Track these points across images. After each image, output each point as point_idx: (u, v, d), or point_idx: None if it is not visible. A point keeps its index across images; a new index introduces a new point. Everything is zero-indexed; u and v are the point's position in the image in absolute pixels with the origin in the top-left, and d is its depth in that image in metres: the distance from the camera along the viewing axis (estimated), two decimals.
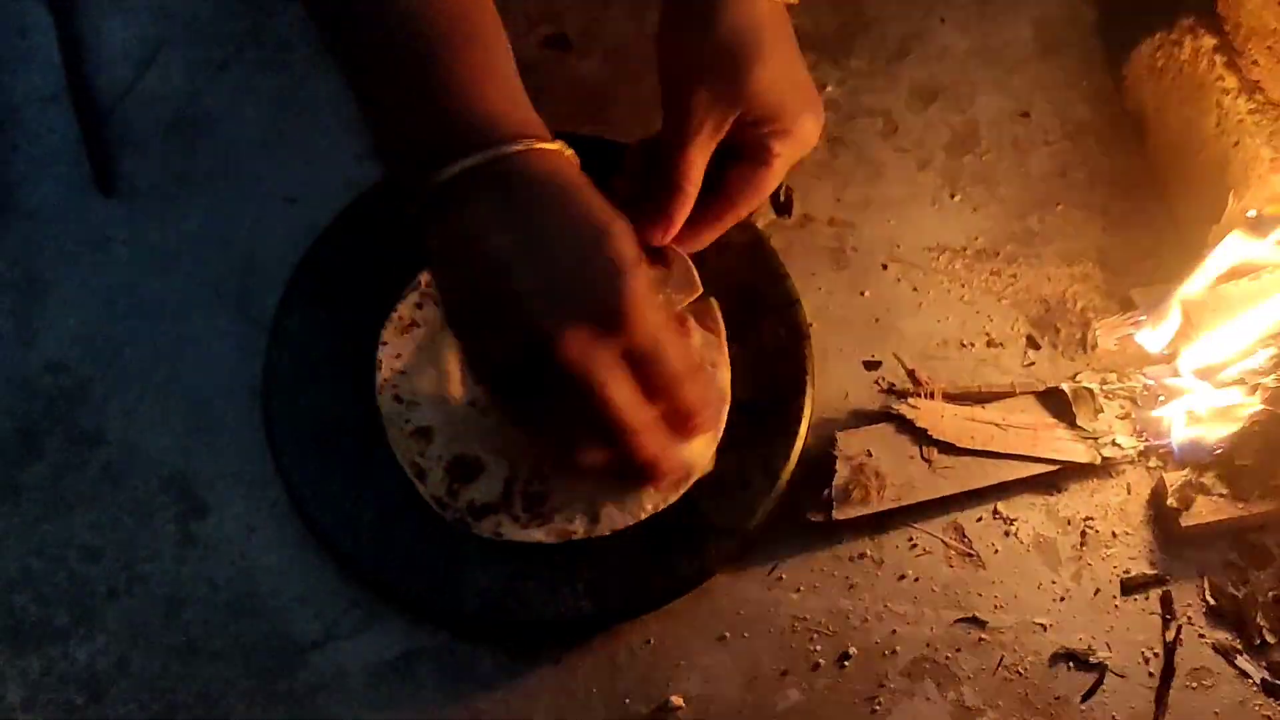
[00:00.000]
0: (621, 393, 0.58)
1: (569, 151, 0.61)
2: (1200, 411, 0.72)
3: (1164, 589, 0.71)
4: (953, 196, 0.82)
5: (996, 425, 0.73)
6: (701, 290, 0.70)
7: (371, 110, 0.61)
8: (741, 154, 0.69)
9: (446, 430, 0.68)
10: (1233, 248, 0.71)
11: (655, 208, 0.68)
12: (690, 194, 0.68)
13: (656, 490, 0.67)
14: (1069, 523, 0.72)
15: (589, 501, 0.67)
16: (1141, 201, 0.83)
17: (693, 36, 0.67)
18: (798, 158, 0.70)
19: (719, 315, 0.71)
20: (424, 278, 0.72)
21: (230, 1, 0.84)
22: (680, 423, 0.62)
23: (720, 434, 0.69)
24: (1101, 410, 0.74)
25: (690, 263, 0.70)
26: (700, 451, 0.67)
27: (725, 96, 0.66)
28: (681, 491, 0.67)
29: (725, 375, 0.70)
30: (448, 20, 0.59)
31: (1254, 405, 0.71)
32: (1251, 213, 0.72)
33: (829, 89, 0.85)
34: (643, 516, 0.66)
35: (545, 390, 0.58)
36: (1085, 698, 0.68)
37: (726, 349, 0.71)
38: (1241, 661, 0.69)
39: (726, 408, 0.69)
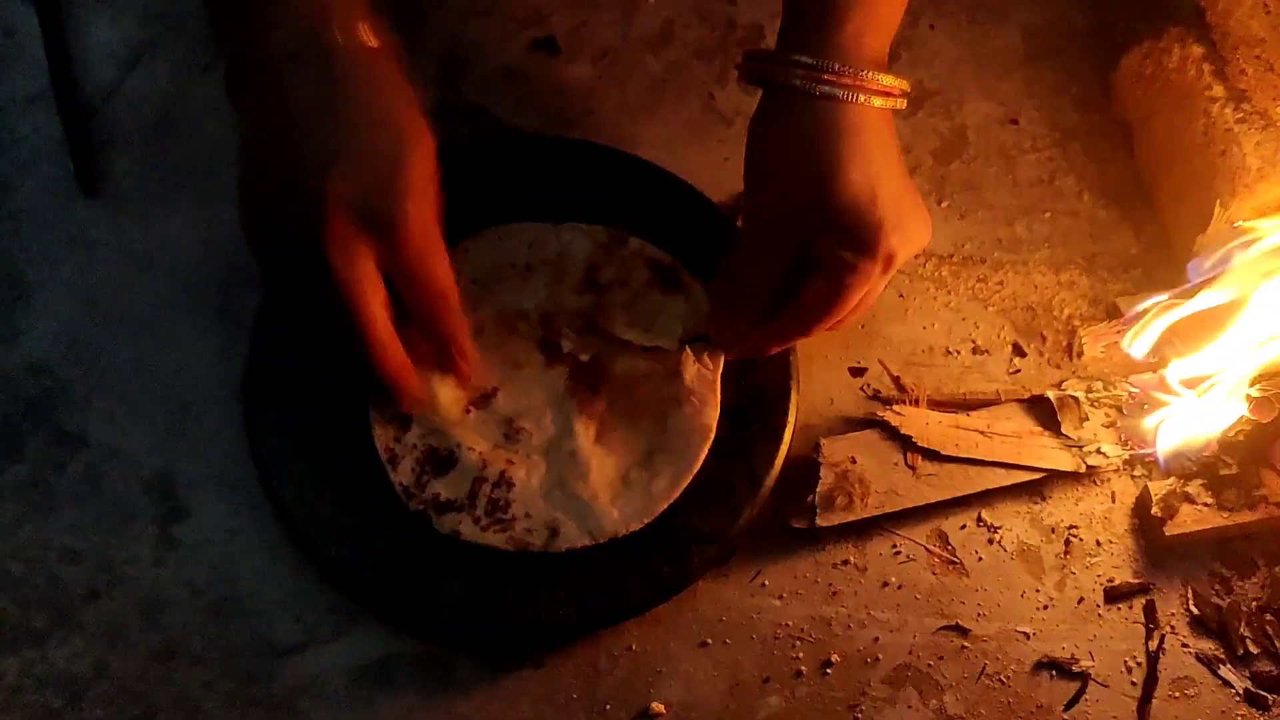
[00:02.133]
0: (368, 294, 0.59)
1: (392, 44, 0.61)
2: (1185, 420, 0.72)
3: (1147, 598, 0.71)
4: (940, 203, 0.82)
5: (981, 433, 0.73)
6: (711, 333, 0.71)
7: None
8: (824, 263, 0.64)
9: (425, 421, 0.68)
10: (1218, 256, 0.71)
11: (718, 305, 0.69)
12: (749, 296, 0.67)
13: (410, 408, 0.67)
14: (1053, 531, 0.72)
15: (550, 516, 0.67)
16: (1129, 209, 0.83)
17: (778, 135, 0.64)
18: (879, 275, 0.64)
19: (719, 354, 0.71)
20: None
21: None
22: (437, 346, 0.64)
23: (695, 470, 0.68)
24: (1087, 418, 0.74)
25: (705, 295, 0.72)
26: (449, 400, 0.68)
27: (799, 206, 0.63)
28: (642, 521, 0.67)
29: (712, 414, 0.70)
30: None
31: (1238, 415, 0.71)
32: (1238, 222, 0.72)
33: None
34: (602, 540, 0.66)
35: (303, 271, 0.59)
36: (1068, 706, 0.68)
37: (719, 389, 0.70)
38: (1225, 671, 0.69)
39: (708, 445, 0.69)
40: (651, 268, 0.73)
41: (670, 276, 0.72)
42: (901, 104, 0.64)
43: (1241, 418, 0.71)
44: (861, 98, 0.62)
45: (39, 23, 0.81)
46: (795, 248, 0.65)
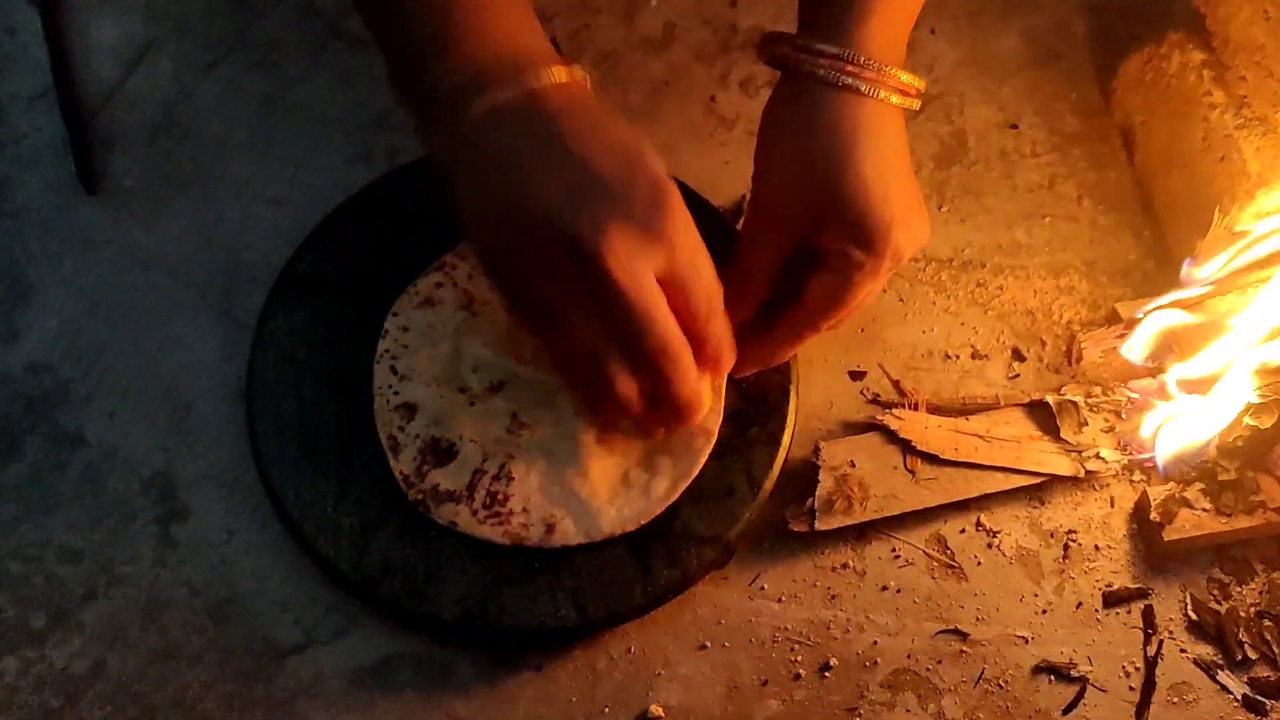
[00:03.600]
0: (665, 311, 0.57)
1: (585, 78, 0.61)
2: (1184, 426, 0.72)
3: (1146, 603, 0.71)
4: (940, 207, 0.82)
5: (980, 437, 0.73)
6: None
7: (390, 46, 0.61)
8: (823, 262, 0.64)
9: (430, 411, 0.68)
10: (1216, 261, 0.72)
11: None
12: (750, 283, 0.67)
13: (691, 426, 0.65)
14: (1052, 535, 0.72)
15: (547, 512, 0.67)
16: (1128, 215, 0.83)
17: (794, 122, 0.64)
18: (884, 272, 0.64)
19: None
20: (448, 258, 0.72)
21: (219, 2, 0.84)
22: (706, 355, 0.61)
23: (695, 473, 0.68)
24: (1086, 423, 0.74)
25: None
26: (708, 396, 0.65)
27: (809, 194, 0.63)
28: (638, 523, 0.67)
29: (715, 418, 0.69)
30: None
31: (1237, 420, 0.71)
32: (1237, 227, 0.72)
33: None
34: (598, 538, 0.66)
35: (584, 310, 0.57)
36: (1066, 711, 0.68)
37: (724, 393, 0.70)
38: (1223, 677, 0.69)
39: (709, 448, 0.69)
40: None
41: None
42: (916, 104, 0.65)
43: (1240, 423, 0.71)
44: (882, 93, 0.62)
45: (41, 22, 0.81)
46: (799, 237, 0.65)
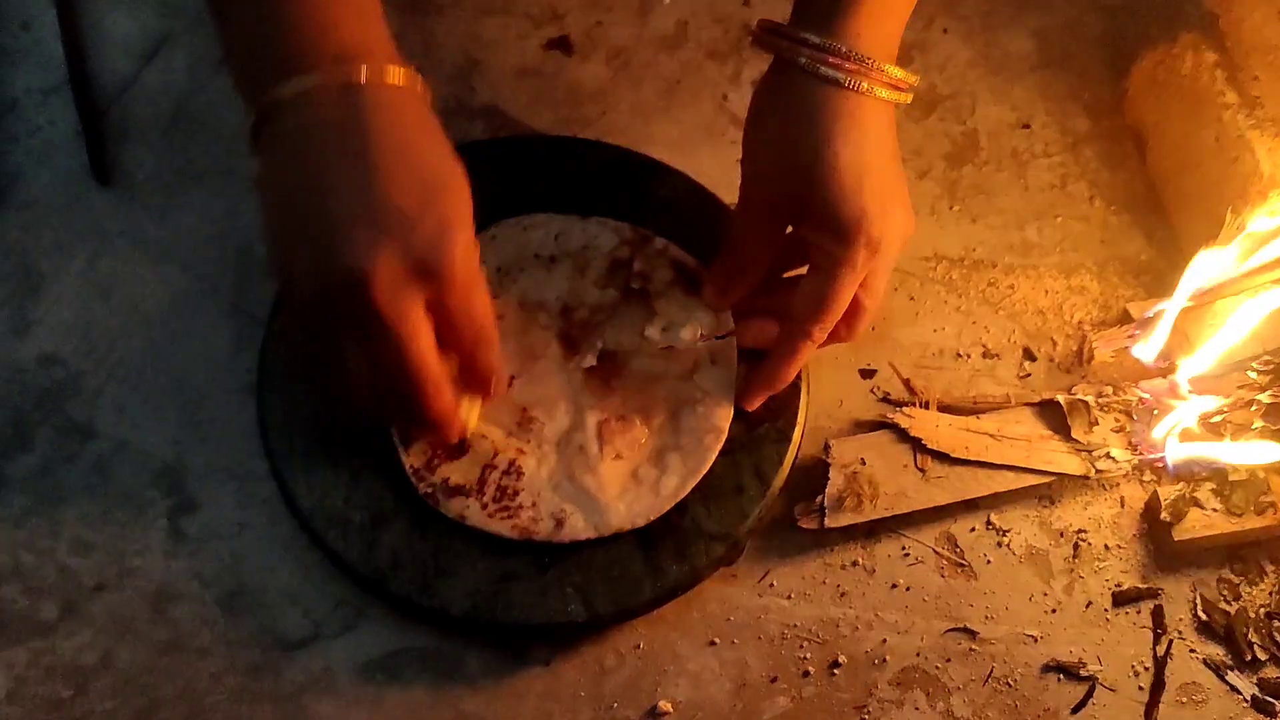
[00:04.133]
0: (424, 342, 0.58)
1: (420, 84, 0.59)
2: (1195, 426, 0.72)
3: (1155, 603, 0.71)
4: (951, 206, 0.82)
5: (991, 436, 0.73)
6: (733, 329, 0.71)
7: (220, 20, 0.59)
8: (812, 260, 0.65)
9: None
10: (1224, 262, 0.71)
11: (715, 270, 0.70)
12: (739, 259, 0.68)
13: (445, 439, 0.67)
14: (1062, 535, 0.72)
15: (556, 507, 0.67)
16: (1140, 215, 0.83)
17: (775, 111, 0.64)
18: (862, 266, 0.63)
19: (734, 356, 0.71)
20: None
21: None
22: (475, 381, 0.63)
23: (705, 471, 0.68)
24: (1096, 423, 0.74)
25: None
26: (473, 416, 0.67)
27: (787, 185, 0.63)
28: (648, 519, 0.67)
29: (725, 415, 0.70)
30: None
31: (1248, 421, 0.71)
32: (1248, 228, 0.72)
33: None
34: (606, 533, 0.66)
35: (346, 322, 0.58)
36: (1075, 710, 0.68)
37: (734, 391, 0.70)
38: (1232, 677, 0.69)
39: (719, 446, 0.69)
40: (675, 268, 0.73)
41: (693, 278, 0.72)
42: (907, 99, 0.64)
43: (1252, 423, 0.71)
44: (864, 85, 0.62)
45: (57, 16, 0.82)
46: (783, 228, 0.65)
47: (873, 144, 0.63)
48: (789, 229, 0.66)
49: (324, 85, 0.56)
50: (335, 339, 0.59)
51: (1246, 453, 0.70)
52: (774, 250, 0.67)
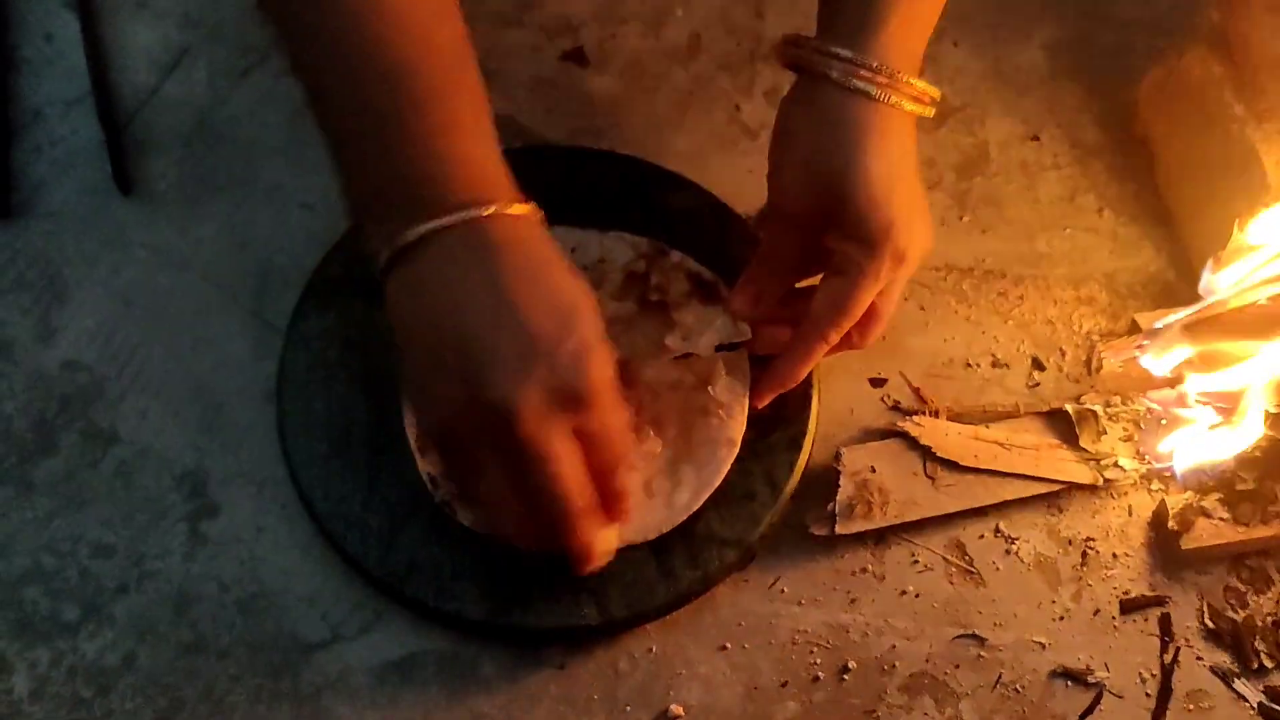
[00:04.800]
0: (572, 472, 0.58)
1: (539, 215, 0.60)
2: (1202, 436, 0.72)
3: (1163, 611, 0.71)
4: (961, 217, 0.83)
5: (1000, 445, 0.73)
6: (748, 339, 0.72)
7: (340, 154, 0.60)
8: (832, 267, 0.66)
9: None
10: (1235, 272, 0.72)
11: (746, 278, 0.70)
12: (767, 268, 0.69)
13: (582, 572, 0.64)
14: (1070, 543, 0.73)
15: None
16: (1149, 227, 0.83)
17: (805, 123, 0.65)
18: (884, 275, 0.64)
19: (748, 367, 0.72)
20: None
21: (254, 10, 0.85)
22: (609, 504, 0.62)
23: (718, 484, 0.69)
24: (1105, 432, 0.74)
25: None
26: (610, 541, 0.66)
27: (816, 194, 0.64)
28: (660, 531, 0.68)
29: (738, 427, 0.70)
30: (425, 68, 0.58)
31: (1255, 430, 0.71)
32: (1256, 238, 0.72)
33: None
34: (619, 546, 0.66)
35: (494, 456, 0.58)
36: (1082, 717, 0.69)
37: (747, 402, 0.71)
38: (1239, 685, 0.69)
39: (732, 458, 0.70)
40: (691, 280, 0.74)
41: (710, 289, 0.73)
42: (930, 111, 0.65)
43: (1259, 433, 0.72)
44: (894, 98, 0.63)
45: (80, 27, 0.83)
46: (811, 236, 0.66)
47: (900, 156, 0.64)
48: (813, 238, 0.67)
49: (455, 224, 0.56)
50: (481, 469, 0.60)
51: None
52: (802, 259, 0.68)
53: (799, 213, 0.66)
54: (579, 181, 0.77)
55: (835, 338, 0.67)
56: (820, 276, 0.69)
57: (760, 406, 0.71)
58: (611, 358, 0.58)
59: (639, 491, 0.68)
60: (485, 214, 0.57)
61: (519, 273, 0.57)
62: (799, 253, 0.68)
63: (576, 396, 0.57)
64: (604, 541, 0.63)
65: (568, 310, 0.57)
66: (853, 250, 0.64)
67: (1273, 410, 0.72)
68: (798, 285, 0.71)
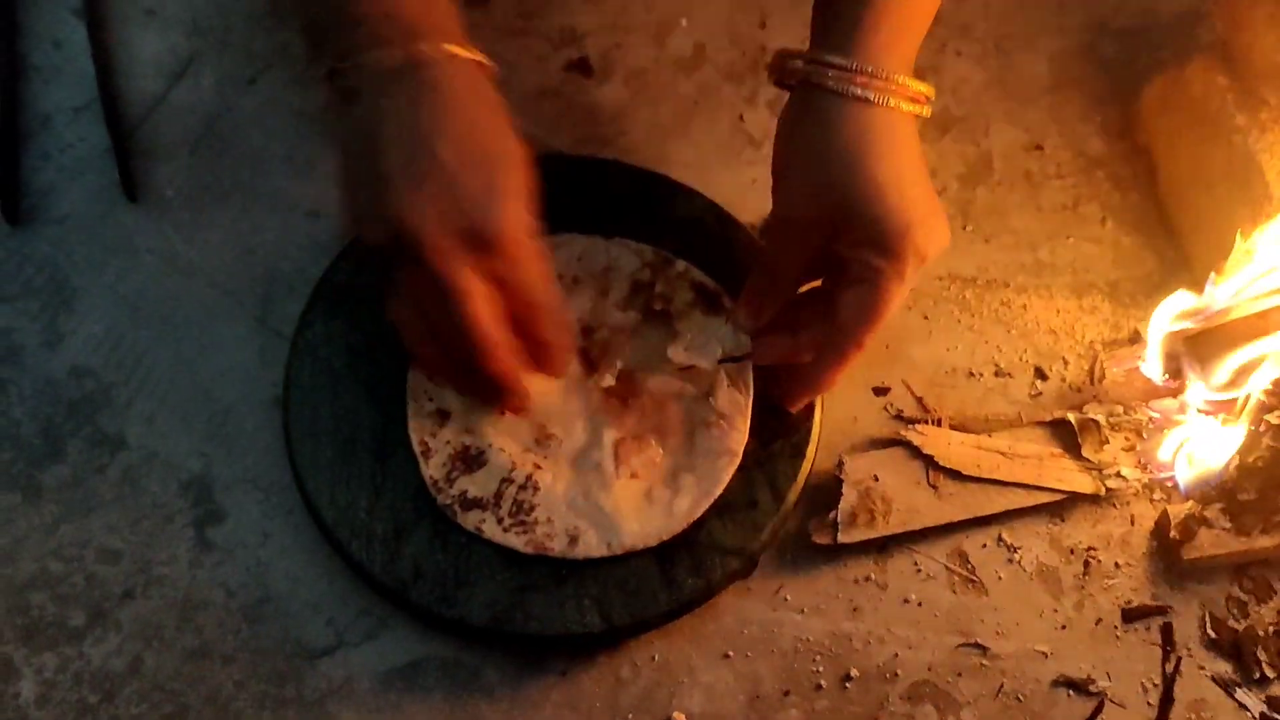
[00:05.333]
0: (480, 307, 0.61)
1: (489, 63, 0.62)
2: (1204, 445, 0.73)
3: (1165, 620, 0.71)
4: (965, 226, 0.83)
5: (1002, 454, 0.74)
6: (750, 350, 0.72)
7: (307, 21, 0.65)
8: (850, 274, 0.65)
9: (463, 419, 0.70)
10: (1238, 282, 0.72)
11: (748, 289, 0.71)
12: (772, 279, 0.69)
13: (516, 414, 0.69)
14: (1072, 552, 0.73)
15: (571, 523, 0.68)
16: (1151, 237, 0.84)
17: (806, 134, 0.65)
18: (909, 276, 0.65)
19: (750, 379, 0.72)
20: None
21: (261, 18, 0.86)
22: (540, 352, 0.65)
23: (718, 494, 0.69)
24: (1107, 442, 0.74)
25: None
26: (542, 386, 0.69)
27: (825, 204, 0.64)
28: (660, 538, 0.68)
29: (740, 438, 0.71)
30: None
31: (1258, 440, 0.72)
32: (1257, 249, 0.72)
33: None
34: (619, 552, 0.67)
35: (411, 274, 0.61)
36: None
37: (749, 413, 0.71)
38: (1241, 694, 0.69)
39: (733, 469, 0.70)
40: (696, 290, 0.74)
41: (714, 300, 0.74)
42: (927, 111, 0.66)
43: (1261, 444, 0.72)
44: (892, 101, 0.64)
45: (88, 35, 0.83)
46: (817, 247, 0.66)
47: (906, 156, 0.65)
48: (821, 247, 0.67)
49: (395, 54, 0.60)
50: (411, 291, 0.63)
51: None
52: (806, 269, 0.69)
53: (807, 224, 0.66)
54: (584, 190, 0.78)
55: (869, 342, 0.67)
56: (819, 281, 0.69)
57: (794, 410, 0.71)
58: (527, 212, 0.61)
59: (641, 498, 0.69)
60: (429, 51, 0.60)
61: (446, 108, 0.60)
62: (804, 264, 0.68)
63: (482, 237, 0.59)
64: (527, 382, 0.66)
65: (487, 153, 0.60)
66: (873, 257, 0.64)
67: (1275, 421, 0.72)
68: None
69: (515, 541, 0.67)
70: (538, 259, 0.63)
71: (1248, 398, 0.72)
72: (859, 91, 0.63)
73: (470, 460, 0.69)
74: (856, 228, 0.64)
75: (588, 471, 0.69)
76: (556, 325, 0.65)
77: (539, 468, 0.69)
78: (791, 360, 0.71)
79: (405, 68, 0.60)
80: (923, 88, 0.65)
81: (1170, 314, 0.73)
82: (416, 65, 0.60)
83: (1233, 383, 0.72)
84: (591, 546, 0.67)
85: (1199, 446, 0.73)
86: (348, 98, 0.61)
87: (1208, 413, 0.73)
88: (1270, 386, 0.73)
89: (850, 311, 0.65)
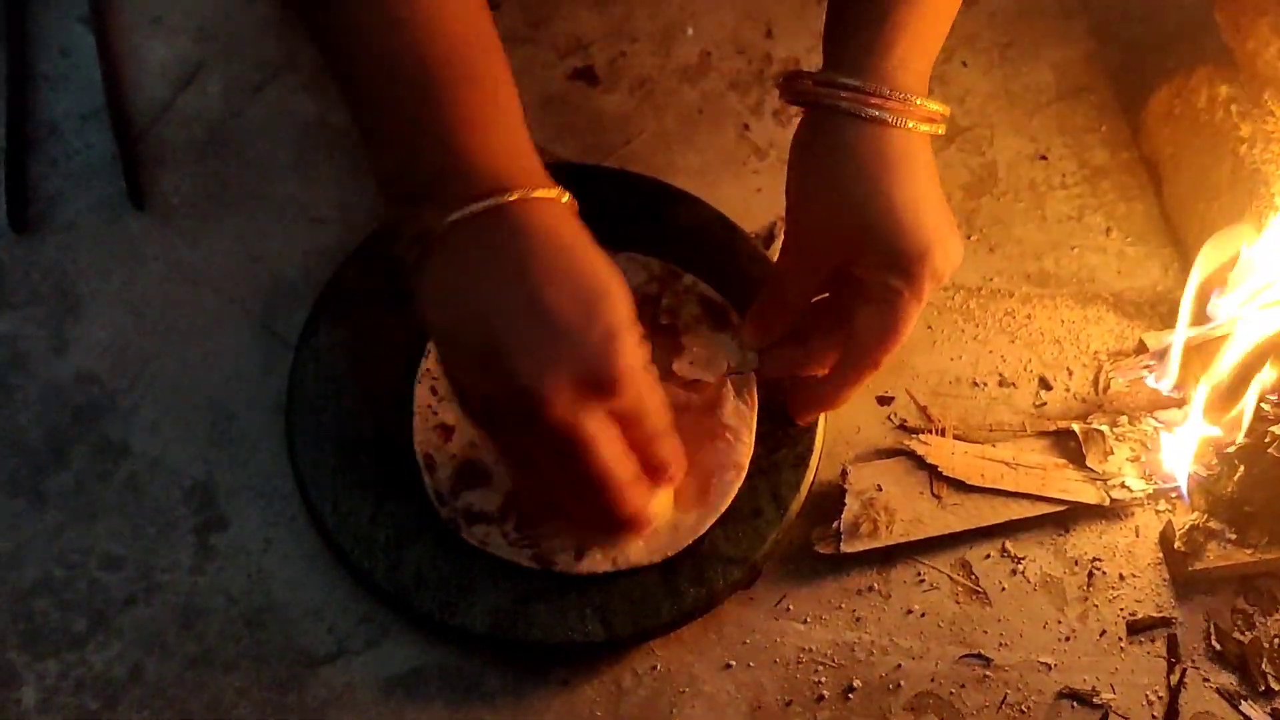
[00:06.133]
0: (609, 450, 0.58)
1: (567, 199, 0.60)
2: (1210, 456, 0.72)
3: (1170, 632, 0.71)
4: (970, 236, 0.83)
5: (1007, 464, 0.73)
6: (756, 364, 0.72)
7: (373, 145, 0.60)
8: (867, 294, 0.65)
9: (467, 433, 0.70)
10: (1242, 293, 0.72)
11: (759, 304, 0.70)
12: (789, 306, 0.69)
13: (637, 538, 0.67)
14: (1076, 563, 0.73)
15: (578, 540, 0.68)
16: (1156, 247, 0.83)
17: (822, 156, 0.65)
18: (926, 295, 0.65)
19: (755, 391, 0.72)
20: None
21: (268, 26, 0.86)
22: (654, 473, 0.63)
23: (724, 508, 0.69)
24: (1112, 452, 0.74)
25: None
26: (664, 503, 0.68)
27: (842, 226, 0.64)
28: (665, 555, 0.68)
29: (745, 450, 0.71)
30: (454, 59, 0.58)
31: (1262, 452, 0.71)
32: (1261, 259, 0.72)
33: None
34: (624, 567, 0.67)
35: (533, 438, 0.58)
36: None
37: (755, 425, 0.71)
38: (1245, 707, 0.69)
39: (739, 483, 0.70)
40: (702, 304, 0.74)
41: (720, 314, 0.74)
42: (942, 129, 0.66)
43: (1266, 455, 0.71)
44: (909, 123, 0.63)
45: (95, 42, 0.84)
46: (830, 269, 0.66)
47: (923, 177, 0.64)
48: (837, 268, 0.67)
49: (482, 211, 0.56)
50: (522, 449, 0.60)
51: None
52: (818, 290, 0.69)
53: (822, 245, 0.66)
54: (588, 198, 0.77)
55: (885, 362, 0.67)
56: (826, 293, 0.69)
57: (804, 425, 0.72)
58: (641, 339, 0.58)
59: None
60: (512, 199, 0.56)
61: (545, 258, 0.57)
62: (816, 285, 0.68)
63: (606, 382, 0.56)
64: (655, 505, 0.64)
65: (596, 295, 0.57)
66: (891, 278, 0.64)
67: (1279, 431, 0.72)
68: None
69: (520, 556, 0.67)
70: (657, 390, 0.61)
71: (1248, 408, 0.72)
72: (874, 113, 0.63)
73: (475, 475, 0.69)
74: (874, 251, 0.64)
75: None
76: (675, 450, 0.64)
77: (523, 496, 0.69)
78: (800, 373, 0.71)
79: (497, 216, 0.57)
80: (938, 107, 0.65)
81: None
82: (507, 212, 0.57)
83: (1235, 392, 0.71)
84: (597, 563, 0.67)
85: (1204, 457, 0.73)
86: (437, 256, 0.57)
87: (1212, 423, 0.73)
88: (1274, 397, 0.73)
89: (868, 332, 0.65)
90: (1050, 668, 0.70)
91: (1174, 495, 0.74)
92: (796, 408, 0.71)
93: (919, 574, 0.72)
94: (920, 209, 0.64)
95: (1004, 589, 0.72)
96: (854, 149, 0.63)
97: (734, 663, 0.69)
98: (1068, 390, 0.78)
